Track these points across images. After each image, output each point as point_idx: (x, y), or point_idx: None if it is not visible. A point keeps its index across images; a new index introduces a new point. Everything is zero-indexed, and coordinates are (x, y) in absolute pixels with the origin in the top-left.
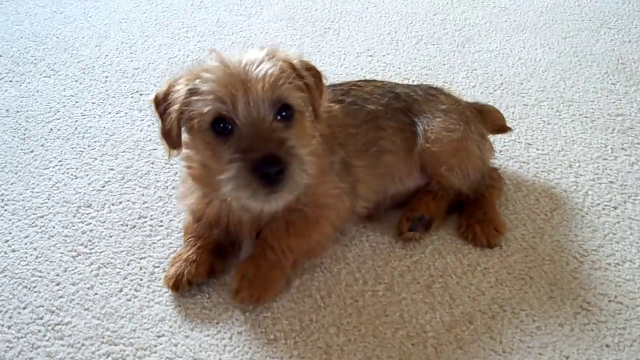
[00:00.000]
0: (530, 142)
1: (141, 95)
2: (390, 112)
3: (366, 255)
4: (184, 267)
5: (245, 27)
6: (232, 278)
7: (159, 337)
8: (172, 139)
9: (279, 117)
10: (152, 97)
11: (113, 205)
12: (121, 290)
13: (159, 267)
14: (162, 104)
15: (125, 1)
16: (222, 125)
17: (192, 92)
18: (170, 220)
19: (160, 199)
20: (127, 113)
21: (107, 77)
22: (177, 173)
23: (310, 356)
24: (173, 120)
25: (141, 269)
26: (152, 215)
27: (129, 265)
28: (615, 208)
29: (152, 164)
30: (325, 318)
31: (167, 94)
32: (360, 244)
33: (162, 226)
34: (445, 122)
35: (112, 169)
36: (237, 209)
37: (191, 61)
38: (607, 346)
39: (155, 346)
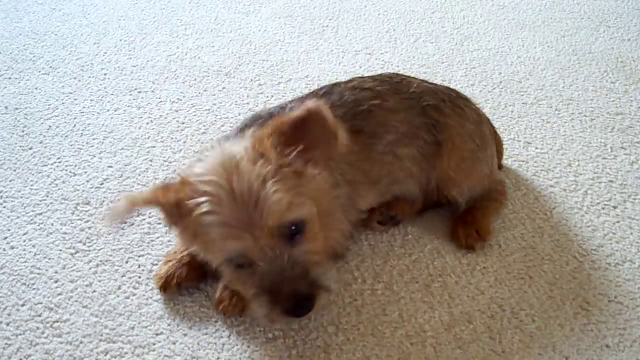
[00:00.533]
0: (529, 141)
1: (139, 92)
2: (411, 134)
3: (365, 253)
4: (175, 267)
5: (243, 25)
6: (216, 288)
7: (157, 334)
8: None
9: (292, 235)
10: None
11: (111, 202)
12: (119, 288)
13: (157, 264)
14: (174, 212)
15: None
16: (238, 263)
17: (201, 215)
18: None
19: None
20: (125, 110)
21: (105, 74)
22: (175, 170)
23: (309, 355)
24: (189, 235)
25: (139, 267)
26: (150, 213)
27: (127, 262)
28: (615, 207)
29: (150, 161)
30: (324, 317)
31: (177, 204)
32: (358, 242)
33: (160, 224)
34: (467, 145)
35: (110, 166)
36: None
37: (190, 58)
38: (607, 346)
39: (153, 344)
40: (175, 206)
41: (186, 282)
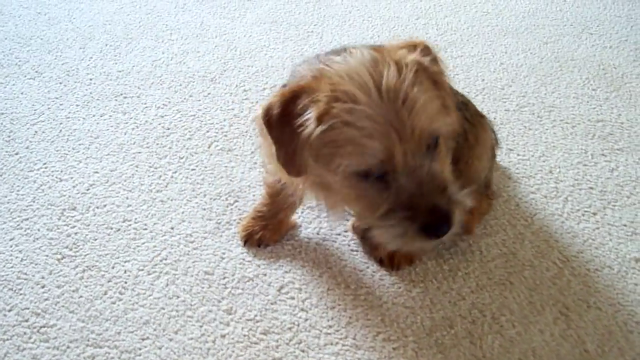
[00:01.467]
0: (511, 148)
1: (125, 97)
2: None
3: (347, 259)
4: (261, 229)
5: (228, 30)
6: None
7: (143, 339)
8: (295, 166)
9: (430, 147)
10: (261, 112)
11: (97, 208)
12: (105, 293)
13: (142, 269)
14: (277, 124)
15: (109, 3)
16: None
17: (344, 112)
18: (154, 224)
19: (144, 202)
20: (111, 115)
21: (91, 80)
22: (160, 176)
23: (292, 358)
24: (300, 148)
25: (125, 272)
26: (136, 218)
27: (113, 268)
28: (595, 214)
29: (136, 166)
30: (307, 321)
31: (286, 112)
32: (341, 248)
33: (145, 229)
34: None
35: (96, 172)
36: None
37: (175, 64)
38: (586, 351)
39: (140, 349)
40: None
41: (268, 242)
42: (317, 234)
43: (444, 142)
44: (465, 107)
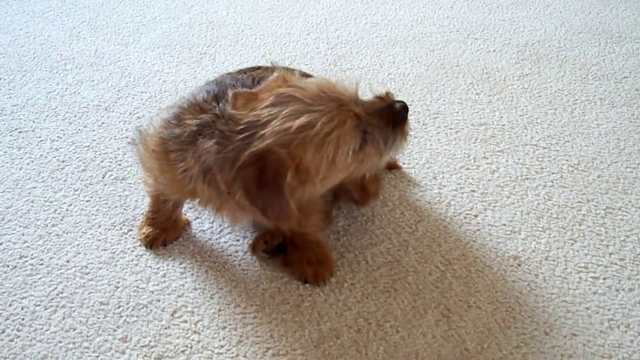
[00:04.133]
0: (397, 157)
1: (20, 132)
2: None
3: (238, 278)
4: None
5: (122, 56)
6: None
7: None
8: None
9: None
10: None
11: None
12: (3, 331)
13: (39, 305)
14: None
15: (3, 35)
16: None
17: None
18: (50, 258)
19: (39, 237)
20: (5, 151)
21: None
22: (56, 210)
23: None
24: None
25: (22, 309)
26: (32, 254)
27: (10, 305)
28: (476, 216)
29: (32, 202)
30: (200, 343)
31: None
32: (232, 268)
33: (42, 264)
34: None
35: None
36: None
37: (69, 94)
38: (467, 350)
39: None
40: None
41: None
42: (209, 254)
43: None
44: None
